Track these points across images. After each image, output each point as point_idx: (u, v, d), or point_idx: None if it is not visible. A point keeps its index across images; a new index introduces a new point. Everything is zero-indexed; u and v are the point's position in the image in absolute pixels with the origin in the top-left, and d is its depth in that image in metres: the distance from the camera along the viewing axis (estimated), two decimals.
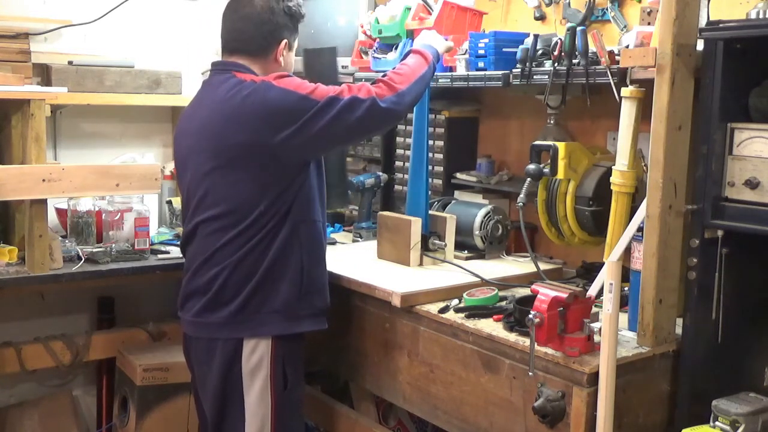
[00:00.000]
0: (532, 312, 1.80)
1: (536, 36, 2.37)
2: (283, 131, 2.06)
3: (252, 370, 2.15)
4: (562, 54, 2.26)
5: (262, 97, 2.08)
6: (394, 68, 2.26)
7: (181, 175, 2.31)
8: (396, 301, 2.21)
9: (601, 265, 2.04)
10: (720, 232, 1.82)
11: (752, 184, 1.74)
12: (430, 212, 2.62)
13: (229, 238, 2.14)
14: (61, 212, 2.94)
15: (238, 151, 2.10)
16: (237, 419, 2.17)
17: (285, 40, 2.24)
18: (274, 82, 2.11)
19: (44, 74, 2.92)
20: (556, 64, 2.28)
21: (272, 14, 2.22)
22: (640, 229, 1.92)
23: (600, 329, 1.78)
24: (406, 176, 3.11)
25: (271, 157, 2.09)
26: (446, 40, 2.51)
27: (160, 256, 2.85)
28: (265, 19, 2.21)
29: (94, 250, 2.79)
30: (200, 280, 2.19)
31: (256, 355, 2.15)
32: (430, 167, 2.96)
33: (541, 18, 2.74)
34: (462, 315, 2.12)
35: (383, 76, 2.21)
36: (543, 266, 2.47)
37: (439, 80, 2.68)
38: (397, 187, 3.17)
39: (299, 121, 2.06)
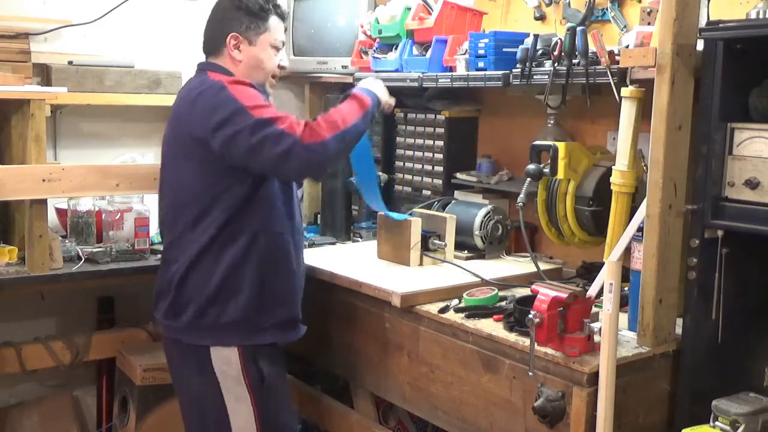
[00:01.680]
0: (532, 312, 1.80)
1: (536, 36, 2.37)
2: (217, 134, 2.06)
3: (224, 370, 2.15)
4: (562, 54, 2.26)
5: (209, 96, 2.11)
6: (325, 112, 2.16)
7: None
8: (396, 301, 2.21)
9: (601, 265, 2.04)
10: (720, 232, 1.83)
11: (752, 184, 1.74)
12: (431, 212, 2.63)
13: (180, 232, 2.18)
14: (61, 212, 2.94)
15: (185, 140, 2.16)
16: (221, 422, 2.17)
17: (233, 34, 2.21)
18: (228, 86, 2.11)
19: (44, 74, 2.92)
20: (556, 64, 2.28)
21: (222, 11, 2.26)
22: (640, 229, 1.92)
23: (600, 329, 1.78)
24: (406, 176, 3.12)
25: (211, 153, 2.09)
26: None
27: (160, 256, 2.85)
28: (216, 17, 2.27)
29: (94, 250, 2.79)
30: (163, 279, 2.24)
31: (226, 357, 2.15)
32: (420, 166, 3.00)
33: (541, 18, 2.74)
34: (462, 315, 2.12)
35: (313, 119, 2.13)
36: (543, 266, 2.47)
37: (439, 80, 2.68)
38: (397, 187, 3.17)
39: (229, 132, 2.05)
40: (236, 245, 2.13)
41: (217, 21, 2.26)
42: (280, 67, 2.32)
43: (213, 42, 2.26)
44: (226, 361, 2.15)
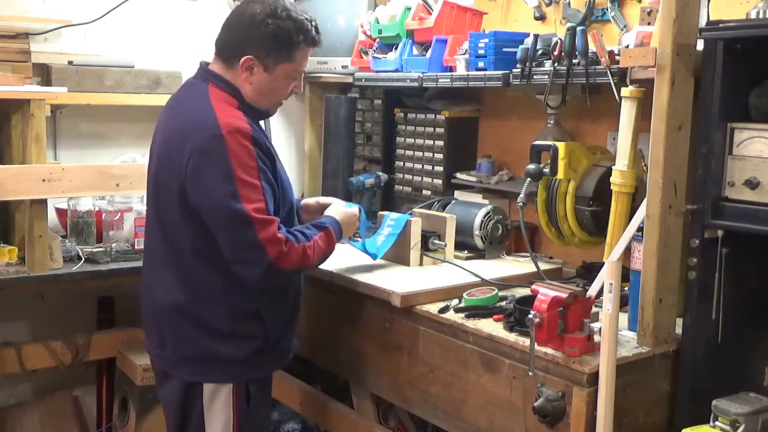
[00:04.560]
0: (532, 312, 1.80)
1: (536, 36, 2.38)
2: (193, 184, 1.93)
3: (213, 390, 2.06)
4: (562, 54, 2.26)
5: (204, 143, 1.91)
6: (306, 236, 2.02)
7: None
8: (396, 301, 2.21)
9: (601, 265, 2.04)
10: (720, 232, 1.83)
11: (752, 184, 1.74)
12: (431, 212, 2.63)
13: (161, 256, 2.08)
14: (61, 212, 2.94)
15: (169, 182, 2.00)
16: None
17: (250, 56, 2.00)
18: (226, 137, 1.90)
19: (44, 74, 2.92)
20: (556, 64, 2.28)
21: (252, 25, 2.00)
22: (640, 229, 1.92)
23: (600, 329, 1.78)
24: (406, 176, 3.12)
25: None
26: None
27: None
28: (237, 25, 2.03)
29: (94, 250, 2.79)
30: (143, 304, 2.19)
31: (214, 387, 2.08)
32: (420, 166, 3.03)
33: (541, 18, 2.74)
34: (462, 315, 2.12)
35: (295, 237, 1.98)
36: (543, 266, 2.47)
37: (439, 80, 2.68)
38: (397, 187, 3.17)
39: (206, 194, 1.91)
40: (228, 297, 2.04)
41: (237, 32, 2.03)
42: (293, 92, 2.14)
43: (227, 51, 2.05)
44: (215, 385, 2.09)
